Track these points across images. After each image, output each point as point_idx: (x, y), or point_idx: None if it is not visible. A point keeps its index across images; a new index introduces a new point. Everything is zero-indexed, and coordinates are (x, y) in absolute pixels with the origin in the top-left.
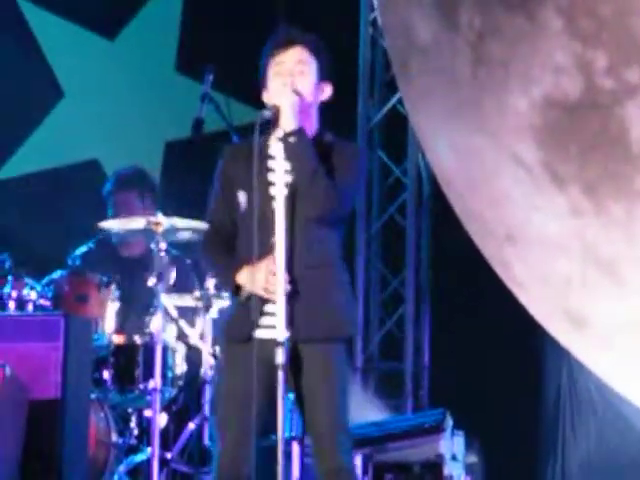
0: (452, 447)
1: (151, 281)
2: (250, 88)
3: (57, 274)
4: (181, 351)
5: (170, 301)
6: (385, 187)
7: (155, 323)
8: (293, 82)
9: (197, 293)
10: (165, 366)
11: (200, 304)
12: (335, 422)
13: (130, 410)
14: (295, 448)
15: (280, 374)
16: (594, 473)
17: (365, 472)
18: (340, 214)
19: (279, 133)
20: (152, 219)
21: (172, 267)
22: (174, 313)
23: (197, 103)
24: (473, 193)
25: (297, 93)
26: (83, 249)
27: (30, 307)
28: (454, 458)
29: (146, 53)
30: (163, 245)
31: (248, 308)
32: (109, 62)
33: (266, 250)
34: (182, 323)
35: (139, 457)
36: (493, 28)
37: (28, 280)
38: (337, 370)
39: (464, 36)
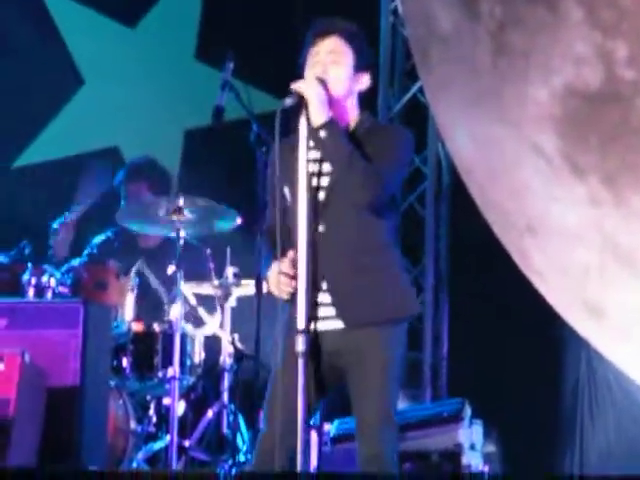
0: (470, 436)
1: (170, 269)
2: (270, 76)
3: (76, 261)
4: (200, 339)
5: (189, 289)
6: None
7: (174, 311)
8: (323, 72)
9: (216, 281)
10: (184, 354)
11: (219, 293)
12: (381, 410)
13: (149, 398)
14: (314, 436)
15: (300, 362)
16: (612, 462)
17: None
18: (384, 198)
19: (307, 128)
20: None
21: (191, 255)
22: (193, 301)
23: (217, 91)
24: (493, 183)
25: (321, 81)
26: (101, 238)
27: (49, 294)
28: (472, 447)
29: (166, 41)
30: (182, 233)
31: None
32: (129, 50)
33: (313, 241)
34: (201, 311)
35: (157, 445)
36: (514, 18)
37: (47, 267)
38: (390, 356)
39: (485, 25)
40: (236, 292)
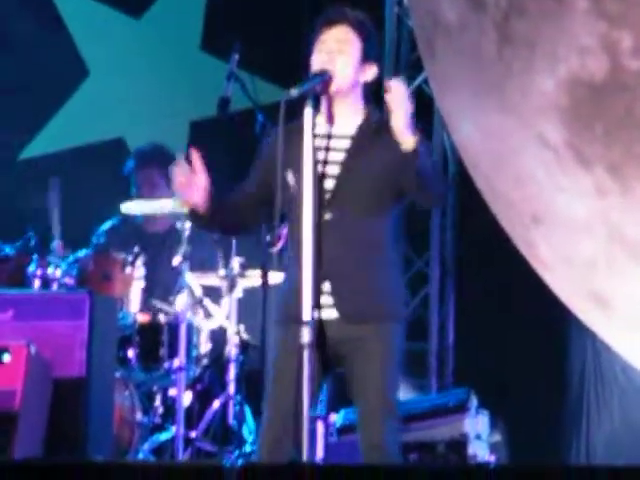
0: (476, 426)
1: (176, 260)
2: (276, 67)
3: (82, 253)
4: (206, 330)
5: (195, 280)
6: None
7: (180, 302)
8: (329, 60)
9: (222, 272)
10: (190, 345)
11: (225, 283)
12: (382, 402)
13: (155, 389)
14: (320, 427)
15: (305, 353)
16: (618, 452)
17: None
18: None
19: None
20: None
21: (198, 241)
22: (199, 292)
23: (222, 82)
24: (498, 174)
25: (326, 72)
26: (108, 225)
27: (55, 285)
28: (478, 437)
29: (171, 32)
30: (188, 224)
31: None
32: (135, 41)
33: (319, 228)
34: (207, 302)
35: (164, 436)
36: (519, 8)
37: (52, 259)
38: (386, 351)
39: (490, 16)
40: (242, 283)
